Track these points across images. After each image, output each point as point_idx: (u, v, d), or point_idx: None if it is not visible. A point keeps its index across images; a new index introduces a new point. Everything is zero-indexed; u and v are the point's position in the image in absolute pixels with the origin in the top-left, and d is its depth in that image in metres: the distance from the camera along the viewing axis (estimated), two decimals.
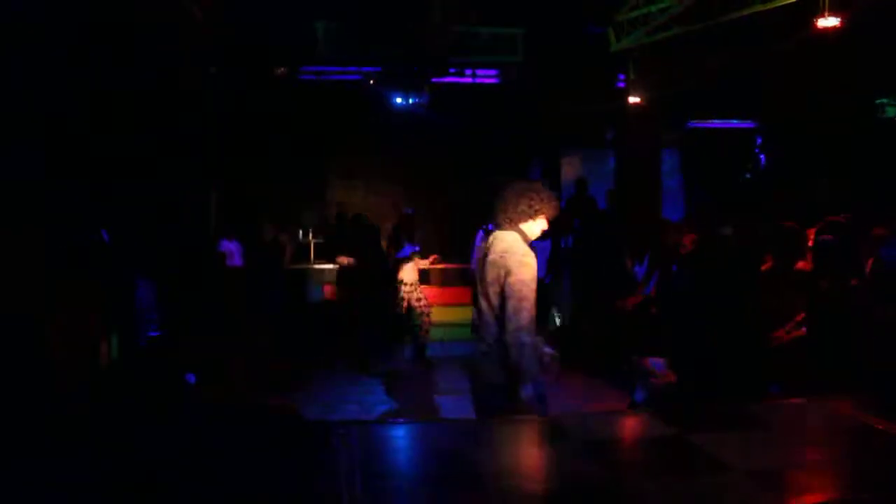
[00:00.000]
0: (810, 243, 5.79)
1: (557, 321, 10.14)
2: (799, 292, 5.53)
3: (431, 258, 8.78)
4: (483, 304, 4.34)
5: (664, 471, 3.19)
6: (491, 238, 4.37)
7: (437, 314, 9.81)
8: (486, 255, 4.31)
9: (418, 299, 8.48)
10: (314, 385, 7.74)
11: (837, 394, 4.18)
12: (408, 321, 8.57)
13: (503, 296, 4.11)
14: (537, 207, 4.26)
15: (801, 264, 5.74)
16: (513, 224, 4.26)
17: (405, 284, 8.43)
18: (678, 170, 14.89)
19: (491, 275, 4.20)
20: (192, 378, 6.94)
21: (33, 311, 5.21)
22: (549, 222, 4.37)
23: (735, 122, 14.66)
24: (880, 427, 3.47)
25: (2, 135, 5.01)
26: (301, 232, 12.54)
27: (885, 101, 12.48)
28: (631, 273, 8.81)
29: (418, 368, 8.49)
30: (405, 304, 8.46)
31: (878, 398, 4.00)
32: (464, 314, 10.11)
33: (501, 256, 4.17)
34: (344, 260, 9.56)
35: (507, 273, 4.09)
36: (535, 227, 4.31)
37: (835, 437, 3.64)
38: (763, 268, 6.05)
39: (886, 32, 9.16)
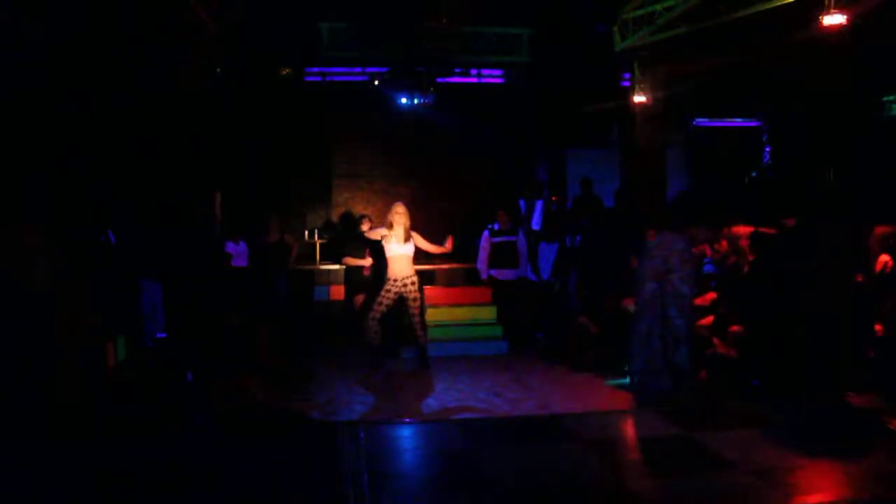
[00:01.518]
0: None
1: None
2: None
3: (448, 240, 8.57)
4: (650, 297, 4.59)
5: (669, 469, 3.18)
6: (659, 238, 4.67)
7: (442, 314, 9.80)
8: (651, 254, 4.59)
9: (414, 299, 8.23)
10: (319, 385, 7.73)
11: (843, 391, 4.17)
12: (406, 320, 8.42)
13: (663, 291, 4.36)
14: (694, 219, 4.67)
15: None
16: (681, 228, 4.56)
17: (393, 281, 8.16)
18: (684, 168, 14.86)
19: (656, 269, 4.45)
20: (190, 376, 6.96)
21: (39, 313, 5.23)
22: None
23: (741, 120, 14.64)
24: (890, 426, 3.46)
25: (5, 136, 5.02)
26: (307, 232, 12.55)
27: (891, 98, 12.45)
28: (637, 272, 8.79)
29: (422, 368, 8.43)
30: (393, 299, 8.15)
31: (886, 396, 3.99)
32: (469, 314, 10.11)
33: (667, 252, 4.43)
34: (351, 261, 9.56)
35: (669, 271, 4.35)
36: (700, 234, 4.65)
37: (839, 435, 3.63)
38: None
39: (891, 30, 9.13)
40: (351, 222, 9.95)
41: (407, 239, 8.12)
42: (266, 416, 6.43)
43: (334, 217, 13.47)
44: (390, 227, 8.12)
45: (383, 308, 8.12)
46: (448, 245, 8.35)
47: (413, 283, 8.17)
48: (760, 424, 3.72)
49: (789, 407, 4.15)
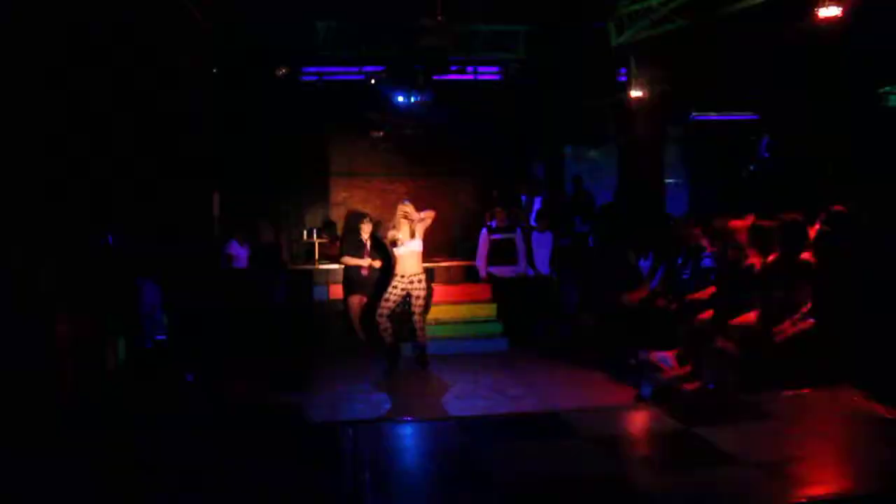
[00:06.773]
0: (813, 234, 5.78)
1: None
2: (804, 283, 5.51)
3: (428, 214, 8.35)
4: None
5: (672, 464, 3.19)
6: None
7: (442, 311, 9.78)
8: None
9: (418, 297, 8.20)
10: (321, 384, 7.73)
11: (844, 384, 4.17)
12: (409, 318, 8.37)
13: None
14: None
15: (804, 255, 5.72)
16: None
17: (401, 277, 8.15)
18: (681, 163, 14.86)
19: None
20: (190, 377, 6.96)
21: (40, 314, 5.22)
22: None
23: (738, 114, 14.61)
24: (888, 416, 3.46)
25: (4, 137, 5.02)
26: (304, 232, 12.54)
27: (888, 89, 12.43)
28: (636, 267, 8.79)
29: (421, 367, 8.39)
30: (400, 295, 8.13)
31: (885, 387, 3.98)
32: (468, 311, 10.10)
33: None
34: (350, 260, 9.55)
35: None
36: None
37: (841, 428, 3.63)
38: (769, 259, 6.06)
39: (889, 21, 9.12)
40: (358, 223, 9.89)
41: (413, 235, 8.14)
42: (266, 415, 6.43)
43: (333, 216, 13.46)
44: (398, 225, 8.13)
45: (391, 304, 8.13)
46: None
47: (420, 281, 8.18)
48: (761, 418, 3.71)
49: (790, 399, 4.15)
